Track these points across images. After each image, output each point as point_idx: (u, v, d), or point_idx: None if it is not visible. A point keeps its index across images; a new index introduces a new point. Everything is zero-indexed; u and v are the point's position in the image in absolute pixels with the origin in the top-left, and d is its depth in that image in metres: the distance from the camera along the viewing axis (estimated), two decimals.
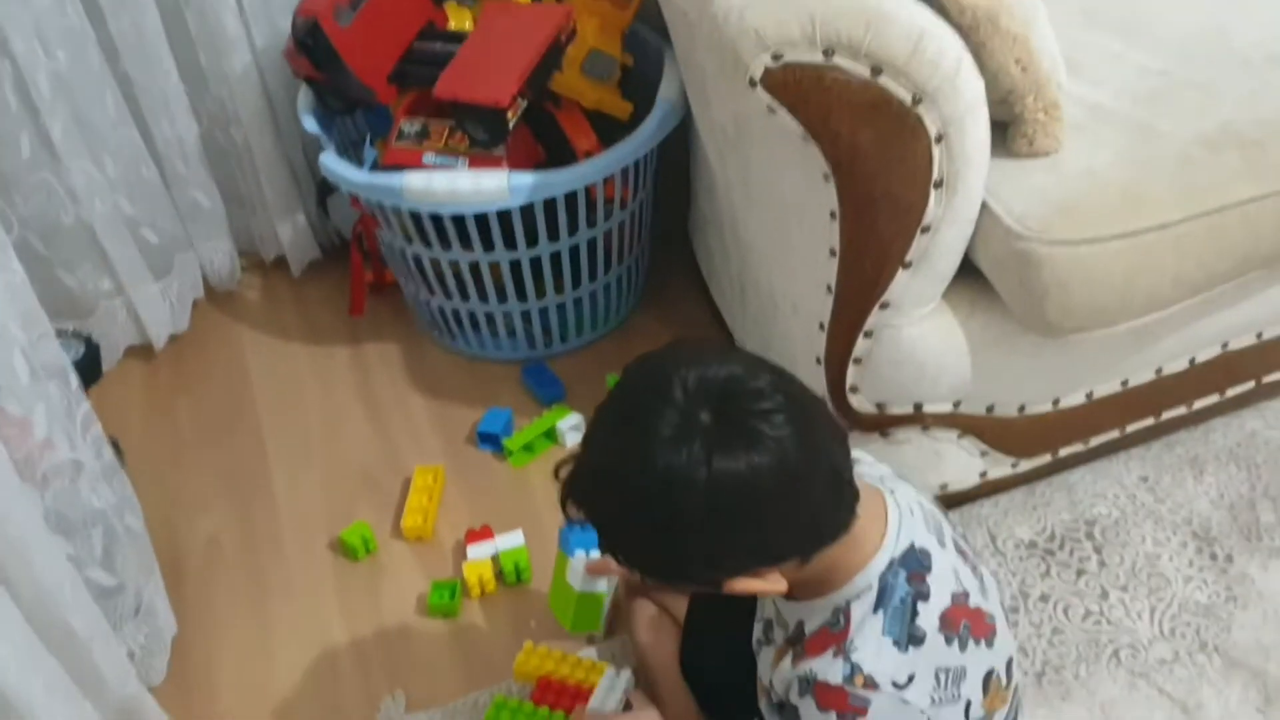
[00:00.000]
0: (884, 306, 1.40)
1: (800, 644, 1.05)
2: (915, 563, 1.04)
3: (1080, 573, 1.58)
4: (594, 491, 0.99)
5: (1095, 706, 1.43)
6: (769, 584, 0.99)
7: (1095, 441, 1.67)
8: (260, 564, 1.75)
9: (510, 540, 1.69)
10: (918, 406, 1.52)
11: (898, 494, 1.08)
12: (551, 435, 1.87)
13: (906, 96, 1.21)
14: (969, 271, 1.41)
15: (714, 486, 0.90)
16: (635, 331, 2.09)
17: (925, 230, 1.33)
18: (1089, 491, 1.68)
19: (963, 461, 1.60)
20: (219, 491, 1.86)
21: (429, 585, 1.66)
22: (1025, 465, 1.65)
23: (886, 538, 1.04)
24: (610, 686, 1.39)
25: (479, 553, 1.68)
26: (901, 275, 1.37)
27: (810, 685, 1.02)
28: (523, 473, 1.84)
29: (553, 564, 1.64)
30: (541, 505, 1.78)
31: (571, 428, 1.86)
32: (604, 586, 1.52)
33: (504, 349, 2.03)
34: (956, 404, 1.53)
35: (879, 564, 1.03)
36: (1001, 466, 1.63)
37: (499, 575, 1.67)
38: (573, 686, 1.45)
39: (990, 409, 1.55)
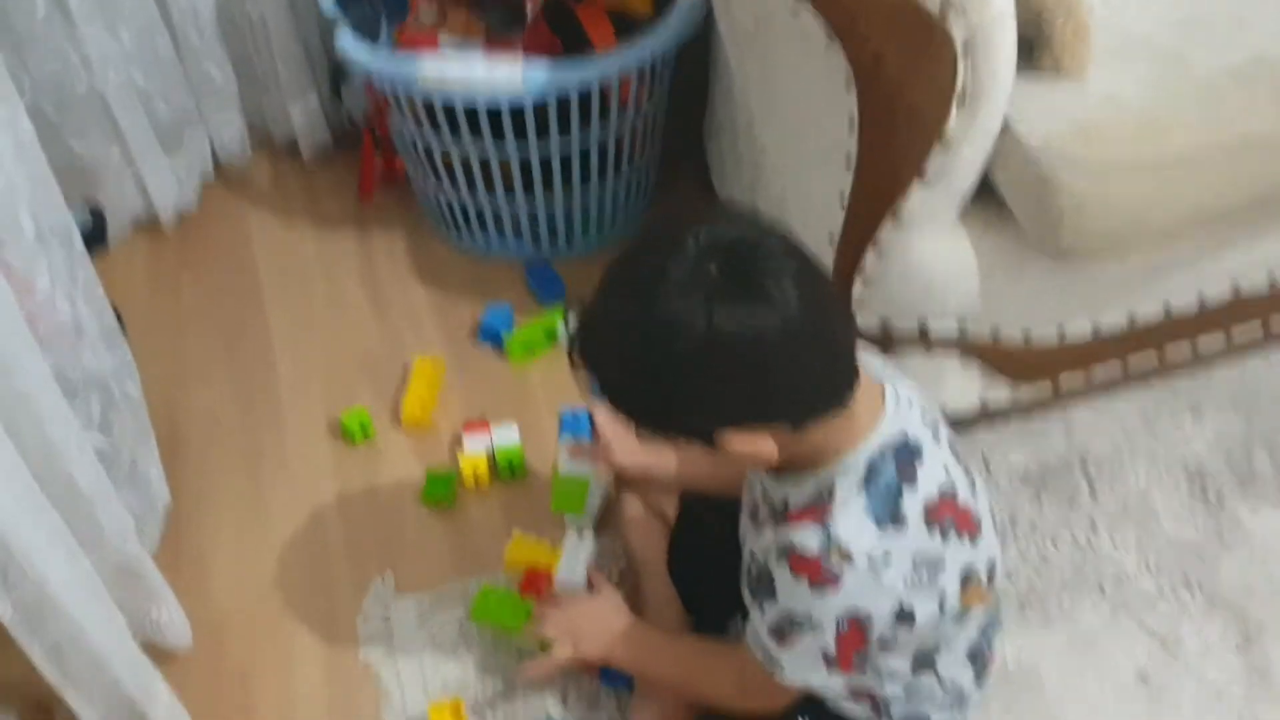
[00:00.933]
0: (896, 221, 1.39)
1: (783, 516, 1.07)
2: (906, 452, 1.04)
3: (1071, 504, 1.59)
4: (597, 335, 1.00)
5: (1075, 635, 1.45)
6: (759, 446, 0.98)
7: (1097, 376, 1.66)
8: (258, 441, 1.75)
9: (506, 435, 1.69)
10: (922, 325, 1.51)
11: (898, 387, 1.08)
12: (552, 335, 1.87)
13: (935, 2, 1.18)
14: (985, 191, 1.39)
15: (713, 337, 0.91)
16: None
17: (944, 145, 1.31)
18: (1087, 426, 1.68)
19: (963, 385, 1.59)
20: (219, 366, 1.87)
21: (424, 473, 1.67)
22: (1026, 393, 1.64)
23: (881, 423, 1.04)
24: (575, 550, 1.45)
25: (475, 445, 1.68)
26: (917, 190, 1.35)
27: (786, 553, 1.04)
28: (522, 370, 1.84)
29: (548, 459, 1.66)
30: (539, 403, 1.78)
31: (570, 310, 1.85)
32: (588, 471, 1.53)
33: (509, 248, 2.02)
34: (962, 325, 1.52)
35: (870, 446, 1.03)
36: (1001, 392, 1.62)
37: (493, 469, 1.68)
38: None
39: (995, 333, 1.54)
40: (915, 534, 1.03)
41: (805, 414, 0.99)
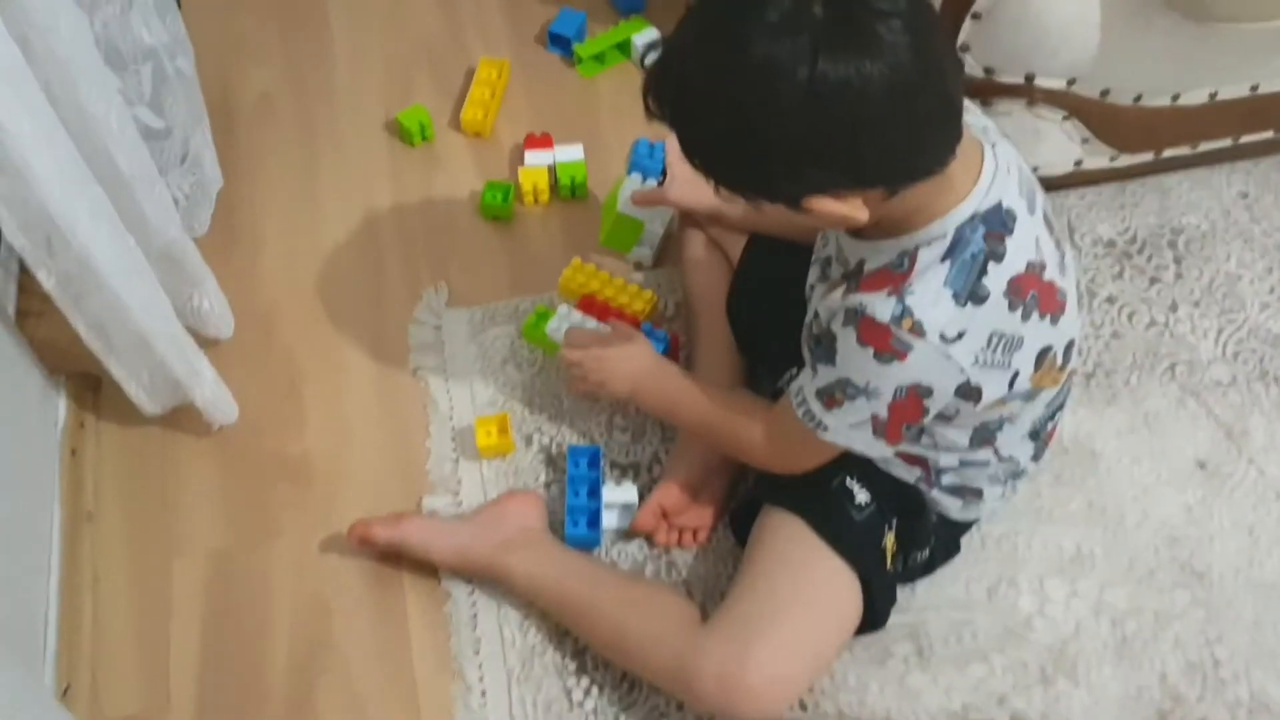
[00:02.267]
0: None
1: (856, 279, 1.00)
2: (998, 222, 0.97)
3: (1154, 281, 1.52)
4: (680, 79, 0.90)
5: (1139, 414, 1.41)
6: (850, 210, 0.92)
7: (1204, 147, 1.55)
8: (313, 130, 1.69)
9: (570, 152, 1.61)
10: (1029, 77, 1.40)
11: (998, 149, 0.99)
12: (625, 49, 1.75)
13: None
14: None
15: (816, 87, 0.82)
16: None
17: None
18: (1183, 199, 1.59)
19: (1061, 145, 1.49)
20: (276, 45, 1.78)
21: (482, 184, 1.61)
22: (1124, 160, 1.54)
23: (976, 189, 0.96)
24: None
25: (537, 160, 1.61)
26: None
27: (856, 317, 0.98)
28: (590, 83, 1.74)
29: (610, 183, 1.59)
30: (606, 120, 1.69)
31: (647, 44, 1.73)
32: (645, 214, 1.46)
33: None
34: (1070, 82, 1.41)
35: (960, 214, 0.95)
36: (1099, 158, 1.52)
37: (554, 186, 1.61)
38: (615, 310, 1.42)
39: (1105, 93, 1.43)
40: (994, 310, 0.97)
41: (905, 177, 0.91)
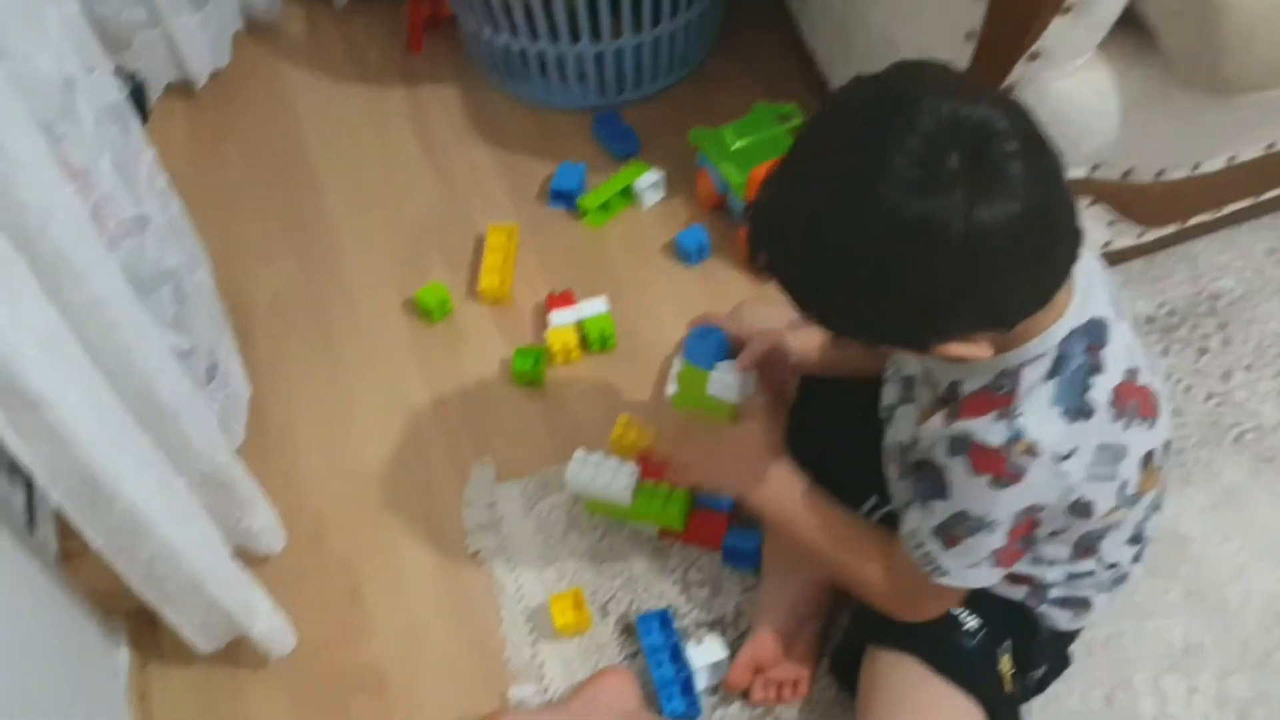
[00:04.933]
0: (1033, 58, 1.26)
1: (955, 404, 0.97)
2: (1095, 333, 0.95)
3: (1202, 351, 1.50)
4: (806, 235, 0.86)
5: (1217, 490, 1.38)
6: (977, 350, 0.90)
7: (1227, 209, 1.55)
8: (331, 322, 1.66)
9: (594, 306, 1.60)
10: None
11: (1085, 256, 0.97)
12: (628, 194, 1.75)
13: None
14: (1126, 21, 1.26)
15: (970, 239, 0.80)
16: (712, 78, 1.93)
17: None
18: (1212, 263, 1.58)
19: (1089, 230, 1.46)
20: (278, 242, 1.76)
21: (510, 351, 1.58)
22: (1151, 235, 1.53)
23: (1073, 302, 0.94)
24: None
25: (562, 319, 1.59)
26: (1058, 21, 1.22)
27: (965, 445, 0.95)
28: (600, 233, 1.73)
29: (637, 329, 1.57)
30: (622, 267, 1.68)
31: (649, 186, 1.73)
32: (736, 396, 1.41)
33: (573, 95, 1.88)
34: (1094, 168, 1.40)
35: (1060, 330, 0.93)
36: (1127, 236, 1.52)
37: (583, 342, 1.59)
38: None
39: (1127, 174, 1.42)
40: (1101, 423, 0.94)
41: (1034, 309, 0.89)
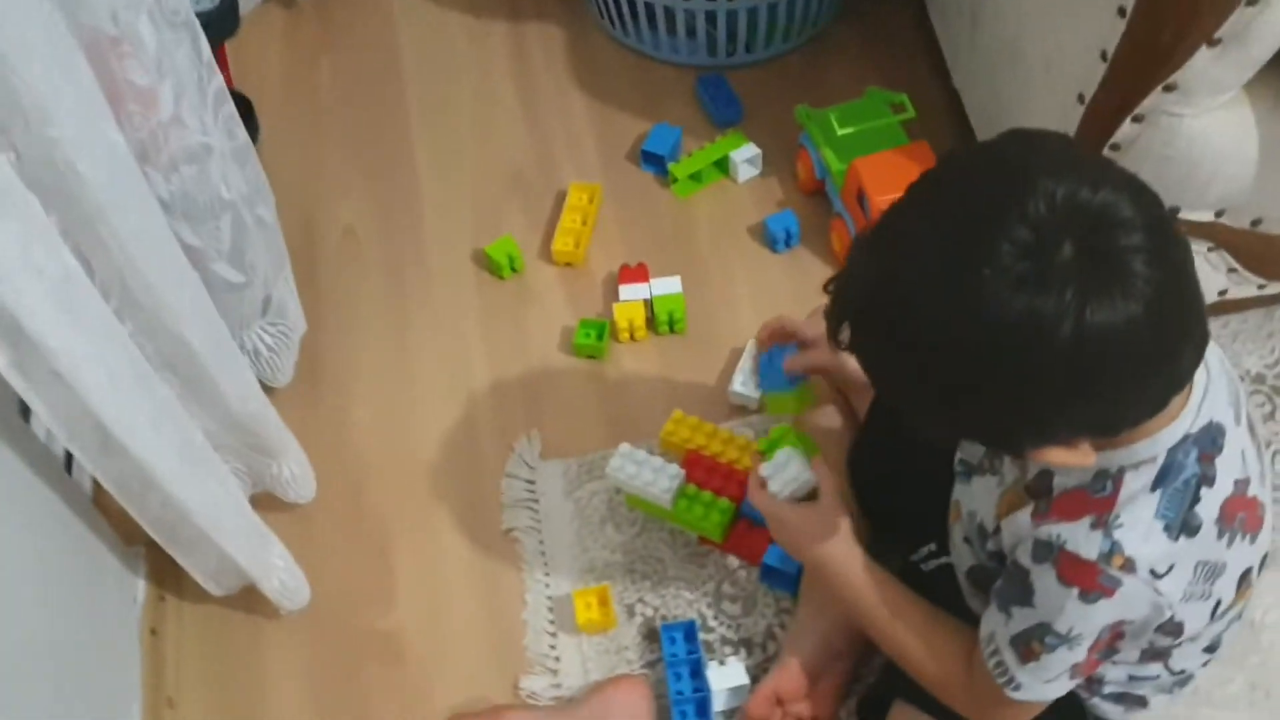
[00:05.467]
0: (1169, 89, 1.14)
1: (1046, 500, 0.89)
2: (1209, 441, 0.85)
3: None
4: (896, 319, 0.77)
5: None
6: (1079, 457, 0.80)
7: None
8: (399, 267, 1.61)
9: (667, 285, 1.52)
10: (1173, 211, 1.27)
11: (1209, 356, 0.86)
12: (723, 166, 1.66)
13: None
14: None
15: (1080, 342, 0.70)
16: (828, 51, 1.82)
17: (1254, 2, 1.04)
18: None
19: (1206, 277, 1.36)
20: (359, 174, 1.71)
21: (575, 320, 1.52)
22: (1273, 289, 1.40)
23: (1189, 405, 0.84)
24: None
25: (632, 294, 1.52)
26: (1203, 54, 1.10)
27: (1054, 552, 0.86)
28: (686, 205, 1.65)
29: (710, 314, 1.50)
30: (704, 246, 1.60)
31: (746, 160, 1.64)
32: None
33: (680, 51, 1.79)
34: (1219, 213, 1.28)
35: (1173, 435, 0.83)
36: (1246, 287, 1.39)
37: (650, 321, 1.52)
38: (724, 466, 1.32)
39: (1256, 223, 1.30)
40: (1204, 541, 0.85)
41: (1147, 417, 0.80)
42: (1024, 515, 0.90)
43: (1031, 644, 0.91)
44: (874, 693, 1.18)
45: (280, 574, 1.26)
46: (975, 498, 1.02)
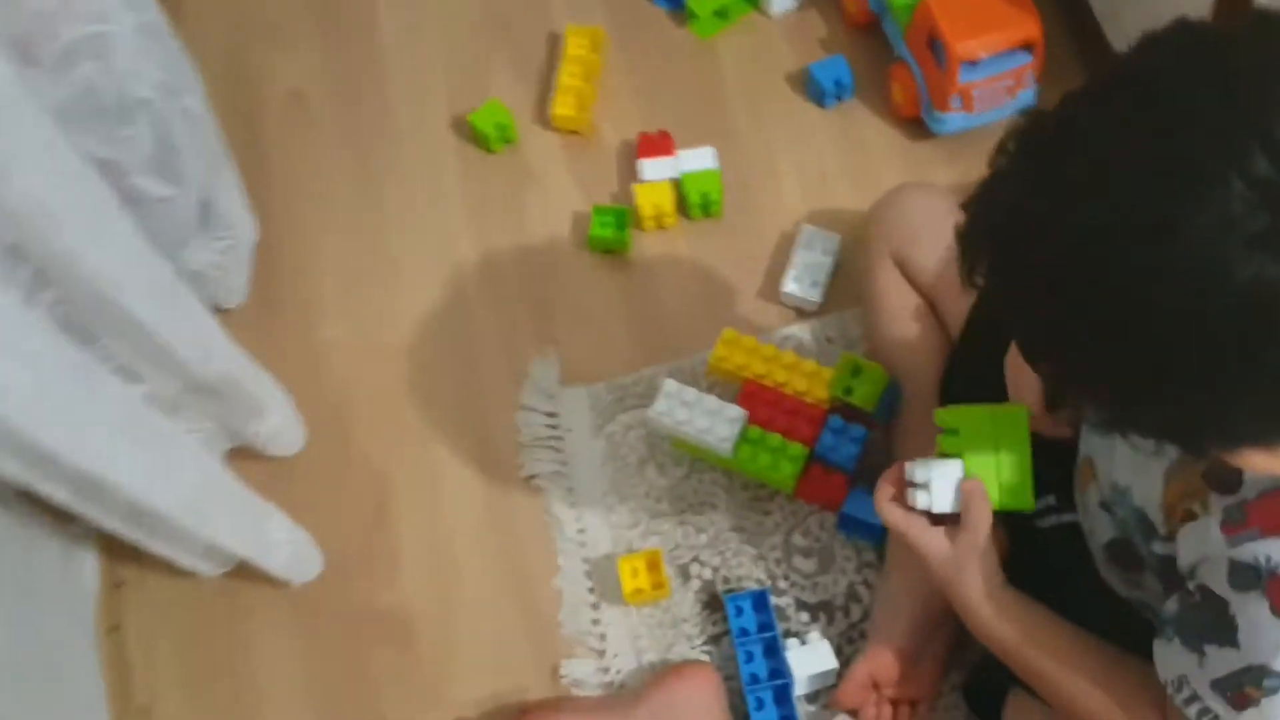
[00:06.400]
0: None
1: (1237, 502, 0.68)
2: None
3: None
4: (1067, 268, 0.57)
5: None
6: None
7: None
8: (361, 140, 1.32)
9: (698, 158, 1.25)
10: None
11: None
12: None
13: None
14: None
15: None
16: None
17: None
18: None
19: None
20: (303, 22, 1.39)
21: (587, 206, 1.25)
22: None
23: None
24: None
25: (656, 171, 1.24)
26: None
27: (1262, 579, 0.66)
28: (710, 47, 1.35)
29: (750, 186, 1.24)
30: (736, 103, 1.31)
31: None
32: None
33: None
34: None
35: None
36: None
37: (681, 205, 1.25)
38: (791, 400, 1.08)
39: None
40: None
41: None
42: (1210, 527, 0.69)
43: (1244, 690, 0.70)
44: (984, 679, 0.99)
45: (284, 549, 1.05)
46: (1122, 467, 0.80)
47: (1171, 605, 0.74)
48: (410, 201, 1.28)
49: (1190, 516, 0.72)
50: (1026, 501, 0.85)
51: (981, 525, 0.83)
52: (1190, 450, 0.67)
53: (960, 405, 0.89)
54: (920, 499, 0.84)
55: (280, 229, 1.26)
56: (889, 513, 0.86)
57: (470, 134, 1.30)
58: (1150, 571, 0.81)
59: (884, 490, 0.87)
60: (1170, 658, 0.73)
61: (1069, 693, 0.82)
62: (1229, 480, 0.69)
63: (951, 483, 0.84)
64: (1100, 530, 0.86)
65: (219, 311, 1.19)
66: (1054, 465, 0.91)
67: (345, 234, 1.27)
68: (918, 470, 0.84)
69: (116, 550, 1.09)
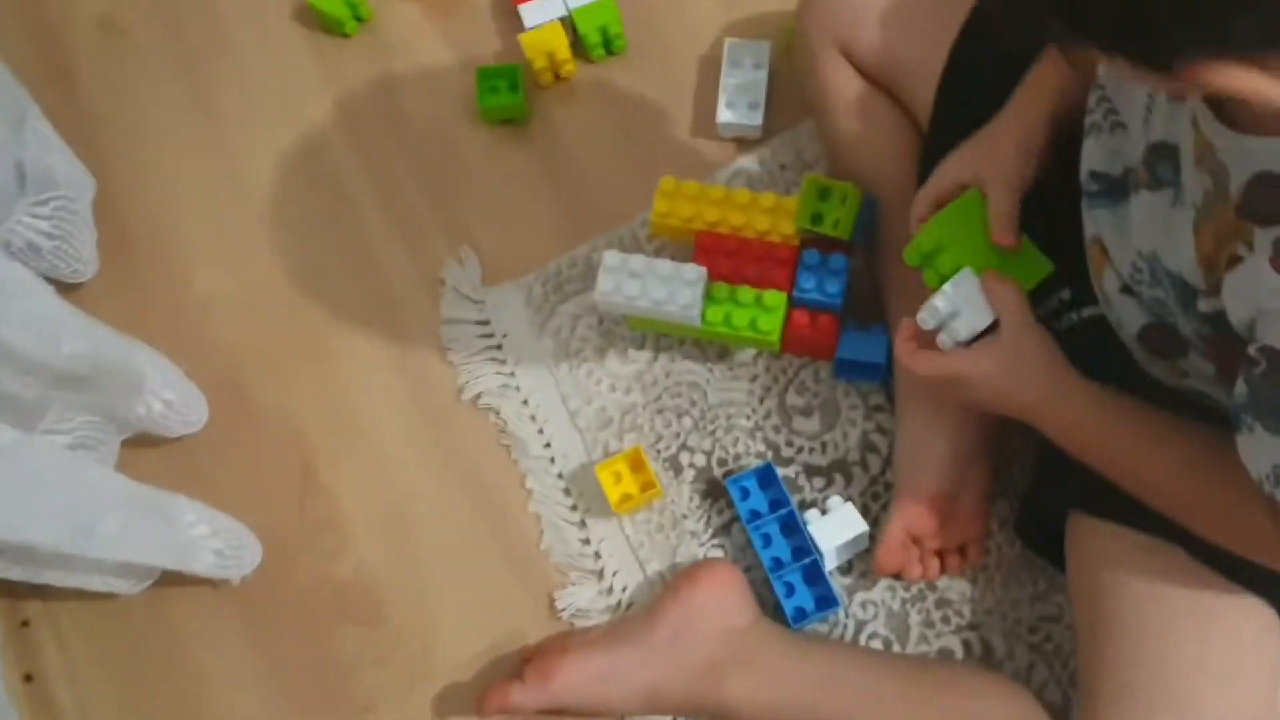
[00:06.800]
0: None
1: None
2: None
3: None
4: None
5: None
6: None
7: None
8: (193, 54, 1.12)
9: None
10: None
11: None
12: None
13: None
14: None
15: None
16: None
17: None
18: None
19: None
20: None
21: (470, 74, 1.07)
22: None
23: None
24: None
25: (540, 14, 1.06)
26: None
27: None
28: None
29: (655, 20, 1.06)
30: None
31: None
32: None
33: None
34: None
35: None
36: None
37: (578, 46, 1.07)
38: (756, 244, 0.91)
39: None
40: None
41: None
42: (1260, 267, 0.55)
43: None
44: (1036, 508, 0.86)
45: (207, 544, 0.88)
46: (1143, 232, 0.66)
47: (1240, 389, 0.59)
48: (265, 115, 1.09)
49: (1235, 262, 0.58)
50: (1045, 265, 0.77)
51: (1022, 308, 0.72)
52: (1150, 58, 0.49)
53: (922, 226, 0.79)
54: (957, 330, 0.73)
55: (121, 178, 1.07)
56: (923, 364, 0.74)
57: (318, 21, 1.10)
58: (1195, 352, 0.67)
59: (906, 348, 0.75)
60: (1255, 449, 0.58)
61: (1167, 483, 0.68)
62: (1270, 206, 0.55)
63: (976, 293, 0.72)
64: (1129, 319, 0.72)
65: (69, 287, 1.01)
66: (1066, 250, 0.76)
67: (197, 169, 1.08)
68: (937, 304, 0.73)
69: (9, 588, 0.92)
